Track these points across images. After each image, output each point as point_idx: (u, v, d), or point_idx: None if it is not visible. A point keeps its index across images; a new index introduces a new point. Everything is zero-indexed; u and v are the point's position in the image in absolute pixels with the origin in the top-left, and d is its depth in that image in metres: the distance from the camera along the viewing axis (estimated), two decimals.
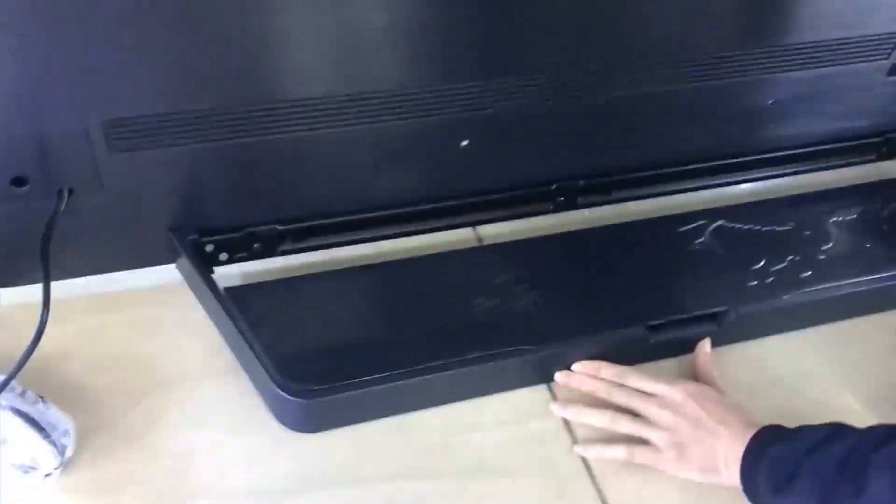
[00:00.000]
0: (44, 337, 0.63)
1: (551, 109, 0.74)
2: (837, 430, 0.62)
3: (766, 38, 0.76)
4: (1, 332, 0.69)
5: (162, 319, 0.75)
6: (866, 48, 0.81)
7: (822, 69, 0.81)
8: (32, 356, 0.62)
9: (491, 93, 0.71)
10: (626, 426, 0.69)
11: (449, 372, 0.68)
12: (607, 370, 0.72)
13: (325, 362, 0.68)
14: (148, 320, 0.74)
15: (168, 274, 0.77)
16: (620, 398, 0.71)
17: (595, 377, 0.72)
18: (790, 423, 0.65)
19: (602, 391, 0.71)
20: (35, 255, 0.65)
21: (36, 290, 0.65)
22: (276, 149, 0.68)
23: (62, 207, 0.64)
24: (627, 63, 0.73)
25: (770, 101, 0.83)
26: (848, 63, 0.82)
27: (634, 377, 0.71)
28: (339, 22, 0.61)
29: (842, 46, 0.80)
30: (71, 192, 0.65)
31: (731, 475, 0.65)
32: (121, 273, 0.75)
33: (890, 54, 0.83)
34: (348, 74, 0.65)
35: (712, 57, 0.75)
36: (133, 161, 0.64)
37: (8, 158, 0.62)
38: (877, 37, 0.81)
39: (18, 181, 0.63)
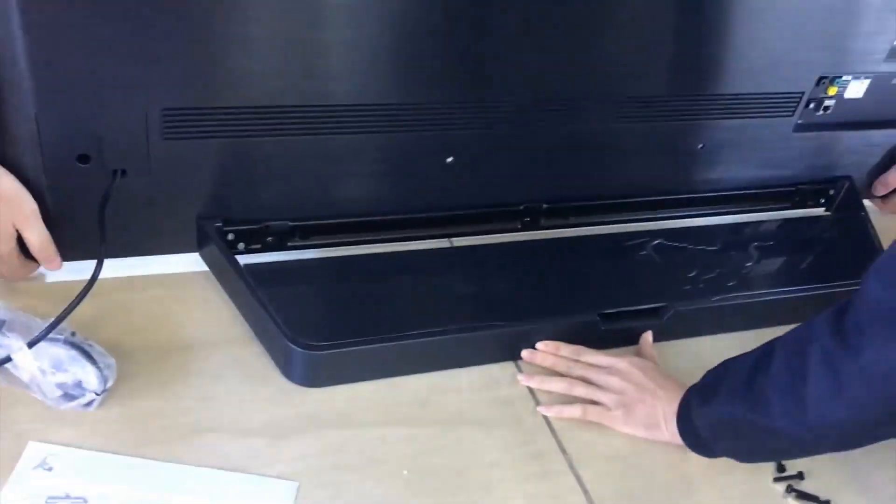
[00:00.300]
0: (80, 307, 0.73)
1: (521, 135, 0.90)
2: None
3: (693, 86, 0.93)
4: (46, 300, 0.81)
5: (184, 298, 0.86)
6: (776, 104, 1.00)
7: (740, 120, 0.99)
8: (72, 318, 0.73)
9: (473, 114, 0.87)
10: (581, 391, 0.82)
11: (431, 338, 0.80)
12: (566, 348, 0.85)
13: (327, 327, 0.80)
14: (171, 299, 0.86)
15: (186, 265, 0.88)
16: (577, 371, 0.83)
17: (555, 354, 0.85)
18: None
19: (561, 366, 0.84)
20: (85, 232, 0.77)
21: (76, 269, 0.78)
22: (297, 149, 0.82)
23: (115, 185, 0.77)
24: (585, 97, 0.90)
25: (699, 146, 1.00)
26: (762, 116, 1.00)
27: (588, 354, 0.84)
28: (358, 37, 0.77)
29: (756, 101, 0.98)
30: (124, 172, 0.78)
31: (671, 430, 0.77)
32: (143, 260, 0.87)
33: (793, 112, 1.01)
34: (367, 85, 0.80)
35: (652, 98, 0.92)
36: (178, 149, 0.78)
37: (77, 137, 0.74)
38: (784, 94, 0.99)
39: (83, 158, 0.76)
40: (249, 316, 0.82)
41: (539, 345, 0.85)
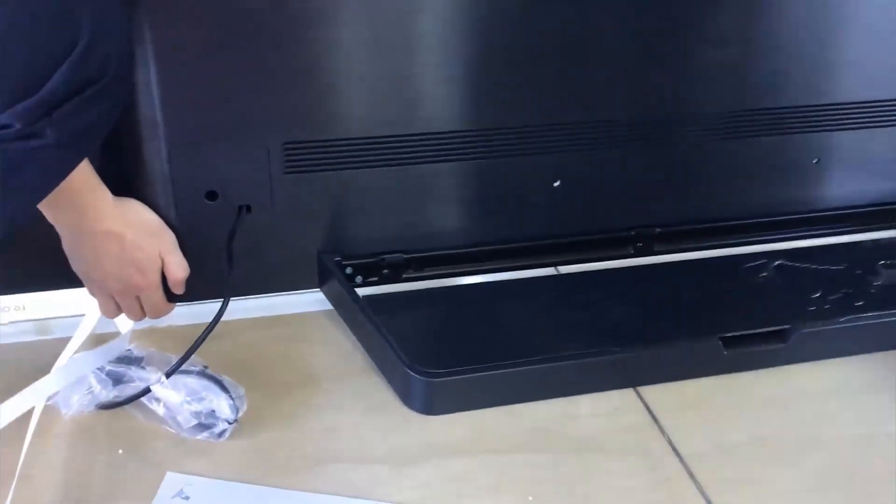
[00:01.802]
0: (208, 347, 0.76)
1: (629, 156, 0.89)
2: None
3: (805, 97, 0.91)
4: (176, 342, 0.83)
5: (306, 335, 0.89)
6: (894, 112, 0.96)
7: (856, 131, 0.95)
8: (201, 356, 0.77)
9: (579, 135, 0.87)
10: None
11: (549, 364, 0.80)
12: None
13: (445, 355, 0.81)
14: (294, 336, 0.89)
15: (306, 305, 0.92)
16: None
17: None
18: (852, 431, 0.78)
19: None
20: (213, 268, 0.81)
21: (202, 313, 0.81)
22: (408, 178, 0.85)
23: (241, 220, 0.81)
24: (692, 114, 0.89)
25: (814, 160, 0.97)
26: (880, 126, 0.96)
27: None
28: (464, 64, 0.80)
29: (872, 109, 0.94)
30: (249, 208, 0.81)
31: None
32: (266, 301, 0.91)
33: None
34: (474, 111, 0.83)
35: (761, 112, 0.91)
36: (299, 183, 0.81)
37: (205, 174, 0.79)
38: None
39: (210, 195, 0.80)
40: (370, 347, 0.84)
41: None
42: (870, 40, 0.90)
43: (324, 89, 0.78)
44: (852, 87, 0.93)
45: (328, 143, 0.81)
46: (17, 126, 0.52)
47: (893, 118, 0.97)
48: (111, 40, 0.56)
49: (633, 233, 0.96)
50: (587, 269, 0.96)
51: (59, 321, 0.88)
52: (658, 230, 0.96)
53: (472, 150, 0.86)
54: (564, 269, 0.97)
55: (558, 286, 0.94)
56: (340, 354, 0.86)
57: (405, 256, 0.89)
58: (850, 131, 0.96)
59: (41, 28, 0.52)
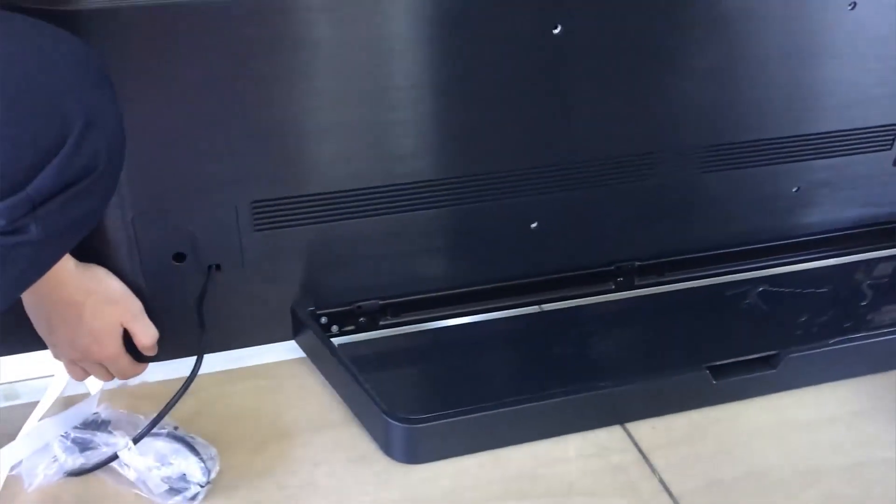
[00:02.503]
0: (181, 403, 0.73)
1: (606, 193, 0.88)
2: None
3: (781, 128, 0.90)
4: (148, 400, 0.82)
5: (281, 387, 0.86)
6: (870, 139, 0.95)
7: (834, 159, 0.95)
8: (173, 414, 0.74)
9: (553, 177, 0.85)
10: None
11: (532, 404, 0.77)
12: None
13: (425, 400, 0.79)
14: (268, 389, 0.86)
15: (280, 354, 0.89)
16: None
17: None
18: (848, 459, 0.76)
19: None
20: (183, 328, 0.78)
21: (174, 369, 0.80)
22: (382, 228, 0.82)
23: (211, 279, 0.79)
24: (668, 149, 0.88)
25: (794, 189, 0.96)
26: (857, 153, 0.95)
27: None
28: (431, 113, 0.78)
29: (849, 137, 0.94)
30: (219, 267, 0.79)
31: None
32: (239, 353, 0.87)
33: (891, 145, 0.97)
34: (445, 159, 0.81)
35: (739, 144, 0.90)
36: (269, 239, 0.79)
37: (172, 236, 0.77)
38: (878, 128, 0.95)
39: (178, 256, 0.78)
40: (347, 396, 0.81)
41: None
42: (844, 70, 0.89)
43: (290, 145, 0.77)
44: (829, 116, 0.92)
45: (297, 199, 0.79)
46: (1, 223, 0.50)
47: (870, 145, 0.97)
48: (103, 134, 0.54)
49: (613, 267, 0.94)
50: (569, 306, 0.94)
51: (28, 384, 0.85)
52: (638, 264, 0.95)
53: (444, 197, 0.84)
54: (548, 307, 0.96)
55: (540, 324, 0.92)
56: (317, 405, 0.83)
57: (381, 303, 0.87)
58: (828, 159, 0.96)
59: (28, 123, 0.50)
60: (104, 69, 0.55)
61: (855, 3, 0.85)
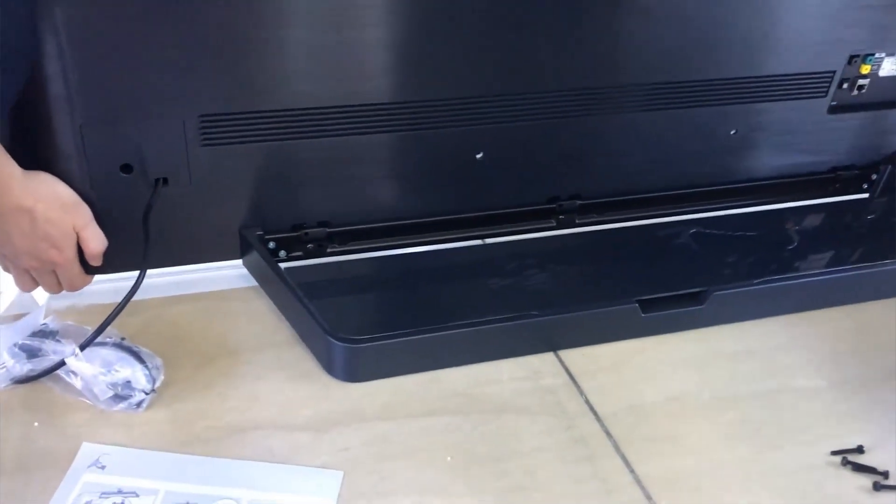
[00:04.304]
0: (127, 321, 0.76)
1: (549, 128, 0.91)
2: None
3: (721, 70, 0.94)
4: (94, 315, 0.83)
5: (229, 309, 0.88)
6: (807, 85, 0.99)
7: (771, 103, 0.98)
8: (119, 330, 0.76)
9: (500, 107, 0.88)
10: None
11: (470, 329, 0.81)
12: None
13: (367, 323, 0.82)
14: (216, 310, 0.88)
15: (230, 282, 0.91)
16: None
17: None
18: (763, 387, 0.81)
19: None
20: (130, 242, 0.80)
21: (122, 288, 0.79)
22: (331, 151, 0.85)
23: (157, 194, 0.80)
24: (612, 85, 0.91)
25: (732, 132, 1.00)
26: (793, 98, 0.99)
27: None
28: (386, 35, 0.80)
29: (786, 82, 0.97)
30: (165, 181, 0.81)
31: None
32: (188, 278, 0.90)
33: (826, 93, 1.01)
34: (396, 83, 0.83)
35: (680, 84, 0.93)
36: (217, 156, 0.81)
37: (119, 147, 0.78)
38: (815, 74, 0.99)
39: (126, 168, 0.79)
40: (292, 318, 0.84)
41: None
42: (784, 14, 0.92)
43: (239, 61, 0.78)
44: (768, 60, 0.96)
45: (245, 116, 0.80)
46: None
47: (806, 91, 1.00)
48: None
49: (555, 206, 0.98)
50: (511, 241, 0.98)
51: None
52: (579, 203, 0.98)
53: (394, 122, 0.86)
54: (490, 241, 0.99)
55: (482, 256, 0.95)
56: (263, 327, 0.86)
57: (328, 230, 0.90)
58: (765, 103, 0.99)
59: None
60: None
61: None
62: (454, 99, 0.87)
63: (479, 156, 0.91)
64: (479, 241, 0.98)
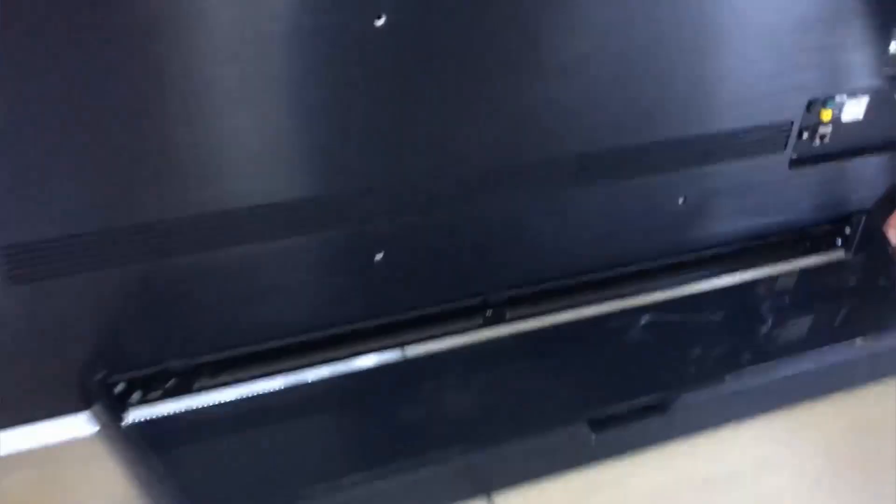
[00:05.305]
0: None
1: (465, 217, 0.74)
2: None
3: (659, 131, 0.78)
4: None
5: (66, 475, 0.69)
6: (763, 140, 0.84)
7: (723, 164, 0.83)
8: None
9: (400, 200, 0.71)
10: None
11: (376, 483, 0.63)
12: None
13: (242, 491, 0.63)
14: (51, 479, 0.69)
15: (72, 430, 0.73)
16: None
17: None
18: None
19: None
20: None
21: None
22: (194, 269, 0.67)
23: None
24: (533, 161, 0.74)
25: (680, 200, 0.84)
26: (749, 156, 0.84)
27: None
28: (255, 127, 0.63)
29: (738, 138, 0.82)
30: None
31: None
32: (24, 429, 0.71)
33: (785, 146, 0.86)
34: (268, 181, 0.65)
35: (612, 152, 0.77)
36: (36, 292, 0.62)
37: None
38: (771, 127, 0.84)
39: None
40: (146, 489, 0.65)
41: None
42: (732, 63, 0.78)
43: (44, 177, 0.59)
44: (714, 116, 0.80)
45: (69, 240, 0.62)
46: None
47: (762, 147, 0.86)
48: None
49: (479, 301, 0.81)
50: (430, 350, 0.80)
51: None
52: (508, 294, 0.82)
53: (268, 228, 0.68)
54: (412, 351, 0.82)
55: (389, 377, 0.77)
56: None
57: (194, 362, 0.72)
58: (716, 165, 0.84)
59: None
60: None
61: None
62: (339, 196, 0.69)
63: (378, 257, 0.74)
64: (397, 354, 0.81)
